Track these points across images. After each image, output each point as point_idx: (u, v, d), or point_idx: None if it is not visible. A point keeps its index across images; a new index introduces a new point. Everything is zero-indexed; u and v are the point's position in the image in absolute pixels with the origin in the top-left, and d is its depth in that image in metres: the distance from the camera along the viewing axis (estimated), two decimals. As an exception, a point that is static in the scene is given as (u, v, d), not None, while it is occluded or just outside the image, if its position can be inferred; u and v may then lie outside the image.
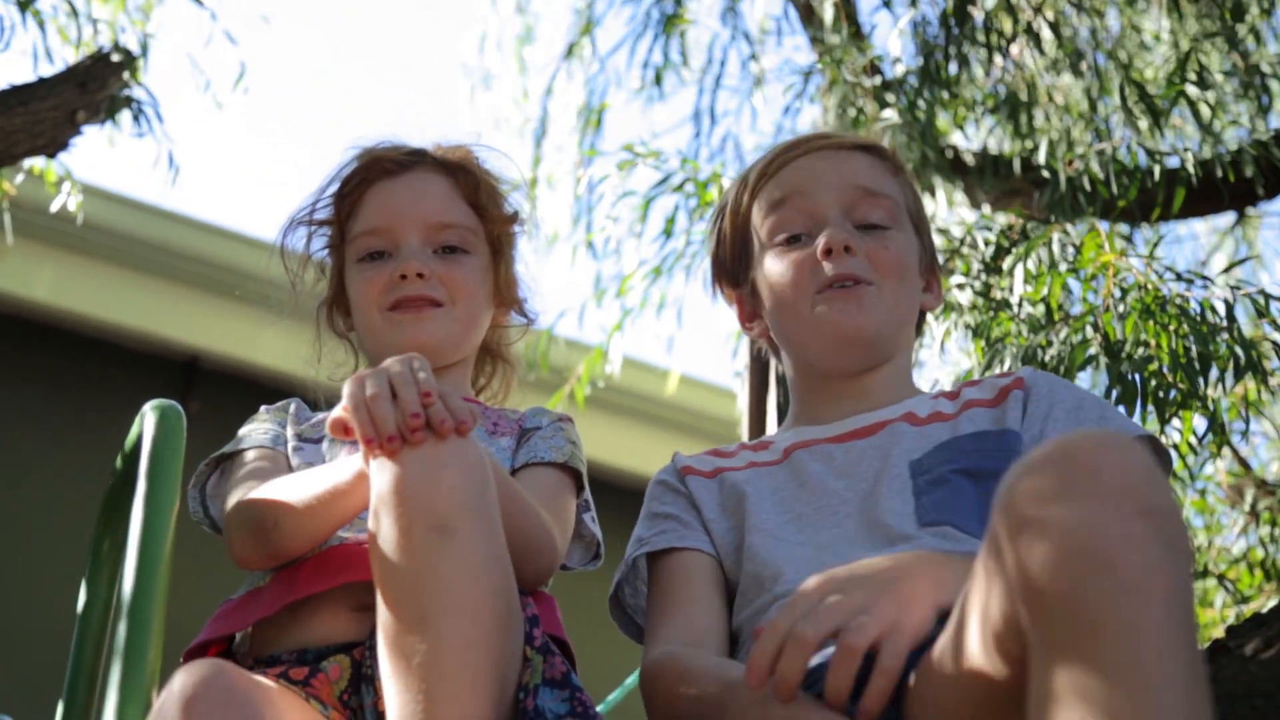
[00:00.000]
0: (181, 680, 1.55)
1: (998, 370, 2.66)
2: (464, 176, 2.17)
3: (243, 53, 4.15)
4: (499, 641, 1.56)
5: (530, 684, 1.69)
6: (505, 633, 1.58)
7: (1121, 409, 2.44)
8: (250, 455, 2.00)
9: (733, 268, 2.10)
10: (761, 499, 1.89)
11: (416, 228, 2.11)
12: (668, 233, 3.77)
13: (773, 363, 3.29)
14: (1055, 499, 1.22)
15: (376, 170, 2.16)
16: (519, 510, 1.84)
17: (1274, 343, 2.57)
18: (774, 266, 2.00)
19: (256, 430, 2.06)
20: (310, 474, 1.85)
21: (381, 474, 1.59)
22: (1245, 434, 2.67)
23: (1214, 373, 2.49)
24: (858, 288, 1.94)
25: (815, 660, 1.55)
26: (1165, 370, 2.46)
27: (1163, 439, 2.22)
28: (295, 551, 1.84)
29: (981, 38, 3.66)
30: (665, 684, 1.71)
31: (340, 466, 1.80)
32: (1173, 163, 3.47)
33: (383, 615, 1.56)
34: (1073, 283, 2.71)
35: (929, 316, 2.23)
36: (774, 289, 2.00)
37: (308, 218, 2.21)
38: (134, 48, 3.97)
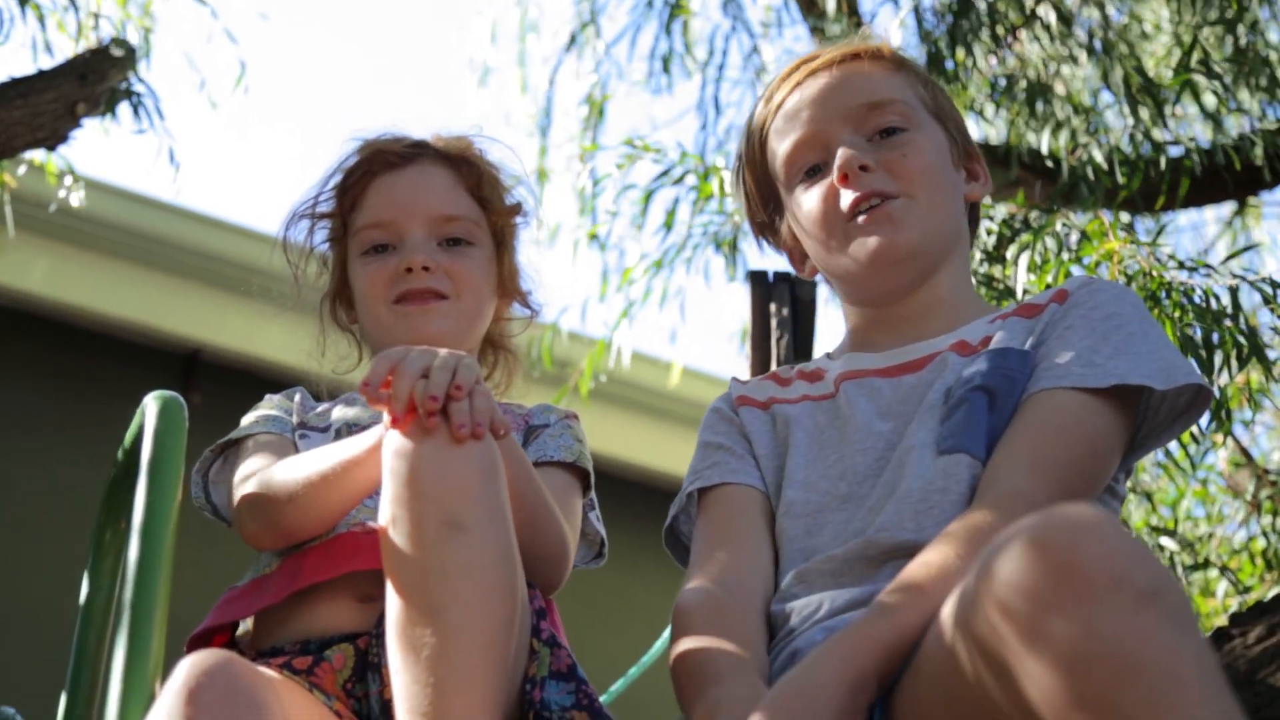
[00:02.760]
0: (185, 671, 1.56)
1: None
2: (466, 168, 2.17)
3: (245, 46, 4.18)
4: (506, 635, 1.57)
5: (537, 676, 1.71)
6: (512, 627, 1.59)
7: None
8: (257, 441, 2.01)
9: (769, 219, 2.02)
10: (807, 442, 1.84)
11: (420, 221, 2.11)
12: (668, 225, 3.78)
13: (774, 350, 3.28)
14: (1045, 610, 1.17)
15: (379, 163, 2.16)
16: (546, 517, 1.86)
17: (1277, 330, 2.56)
18: (800, 204, 1.91)
19: (263, 416, 2.06)
20: (324, 449, 1.86)
21: (396, 466, 1.60)
22: (1249, 423, 2.67)
23: (1218, 360, 2.49)
24: (885, 204, 1.84)
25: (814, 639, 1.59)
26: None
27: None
28: (308, 528, 1.85)
29: (984, 27, 3.65)
30: (676, 628, 1.70)
31: (355, 440, 1.81)
32: (1175, 151, 3.47)
33: (393, 607, 1.57)
34: (1076, 270, 2.70)
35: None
36: (805, 226, 1.92)
37: (310, 211, 2.20)
38: (134, 42, 3.97)
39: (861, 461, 1.78)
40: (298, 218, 2.21)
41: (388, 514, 1.60)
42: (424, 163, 2.16)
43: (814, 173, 1.91)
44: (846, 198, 1.86)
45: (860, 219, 1.85)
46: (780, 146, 1.94)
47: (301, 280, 2.21)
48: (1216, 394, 2.56)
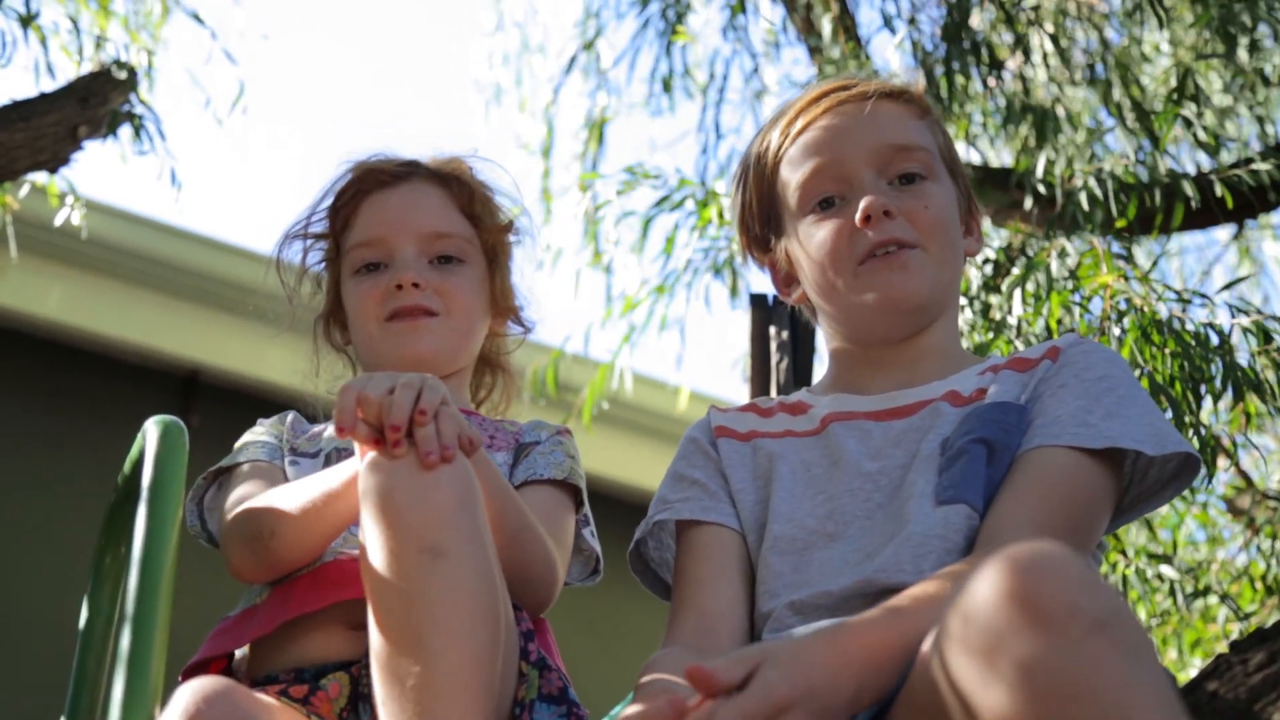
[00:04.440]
0: (185, 697, 1.56)
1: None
2: (458, 186, 2.17)
3: (245, 67, 4.17)
4: (491, 660, 1.57)
5: (526, 699, 1.70)
6: (497, 651, 1.58)
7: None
8: (246, 469, 2.01)
9: (762, 234, 1.99)
10: (793, 478, 1.84)
11: (411, 238, 2.11)
12: (668, 252, 3.78)
13: (774, 373, 3.28)
14: (1003, 639, 1.19)
15: (370, 182, 2.17)
16: (529, 538, 1.85)
17: (1275, 362, 2.56)
18: (810, 236, 1.89)
19: (253, 444, 2.06)
20: (303, 482, 1.85)
21: (371, 495, 1.59)
22: (1233, 450, 2.66)
23: (1210, 395, 2.50)
24: (901, 252, 1.83)
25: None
26: (1161, 392, 2.46)
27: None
28: (293, 561, 1.85)
29: (983, 51, 3.65)
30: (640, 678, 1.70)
31: (333, 471, 1.80)
32: (1173, 175, 3.47)
33: (375, 637, 1.56)
34: (1072, 303, 2.71)
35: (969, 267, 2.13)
36: (813, 259, 1.89)
37: (302, 231, 2.21)
38: (135, 64, 3.98)
39: (850, 503, 1.79)
40: (291, 239, 2.21)
41: (366, 543, 1.59)
42: (415, 181, 2.17)
43: (827, 205, 1.89)
44: (864, 240, 1.84)
45: (873, 262, 1.84)
46: (796, 173, 1.91)
47: (295, 301, 2.21)
48: (1211, 422, 2.57)
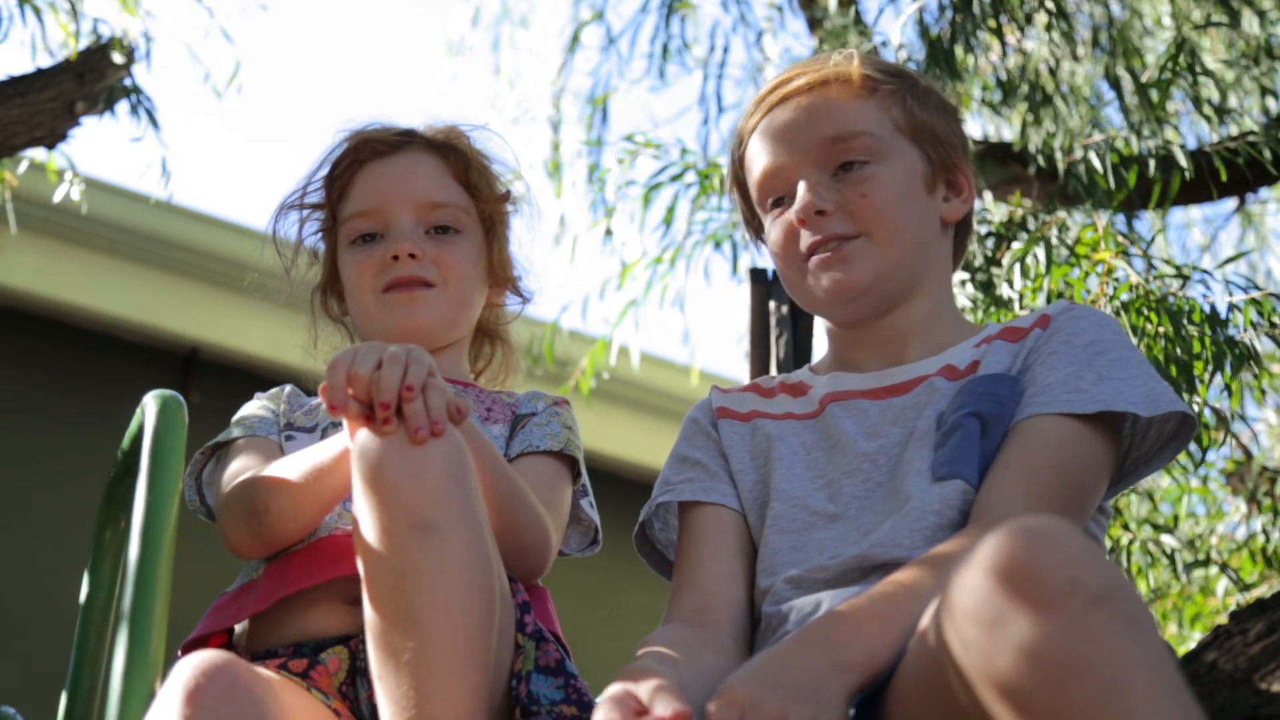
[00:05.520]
0: (185, 671, 1.56)
1: None
2: (454, 156, 2.15)
3: (239, 47, 4.18)
4: (486, 634, 1.56)
5: (523, 671, 1.70)
6: (492, 624, 1.58)
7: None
8: (242, 444, 2.00)
9: (753, 215, 2.02)
10: (793, 459, 1.85)
11: (407, 207, 2.10)
12: (668, 222, 3.77)
13: (774, 348, 3.28)
14: (1003, 615, 1.20)
15: (366, 151, 2.15)
16: (518, 506, 1.84)
17: (1274, 338, 2.56)
18: (769, 233, 1.94)
19: (249, 419, 2.05)
20: (296, 456, 1.85)
21: (363, 471, 1.58)
22: (1225, 424, 2.66)
23: (1211, 365, 2.49)
24: (842, 246, 1.86)
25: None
26: (1160, 365, 2.46)
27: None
28: (288, 535, 1.85)
29: (988, 23, 3.63)
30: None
31: (324, 445, 1.80)
32: (1175, 147, 3.46)
33: (369, 613, 1.56)
34: (1070, 278, 2.71)
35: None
36: (773, 255, 1.94)
37: (298, 202, 2.19)
38: (132, 40, 3.97)
39: (849, 484, 1.80)
40: (287, 209, 2.20)
41: (358, 520, 1.58)
42: (411, 151, 2.15)
43: (778, 203, 1.93)
44: (804, 239, 1.88)
45: (815, 259, 1.87)
46: (752, 174, 1.96)
47: (293, 274, 2.19)
48: (1208, 398, 2.56)
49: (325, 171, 2.18)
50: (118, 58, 3.82)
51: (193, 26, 4.12)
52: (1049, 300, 2.68)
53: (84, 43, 3.88)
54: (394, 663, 1.52)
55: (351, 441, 1.61)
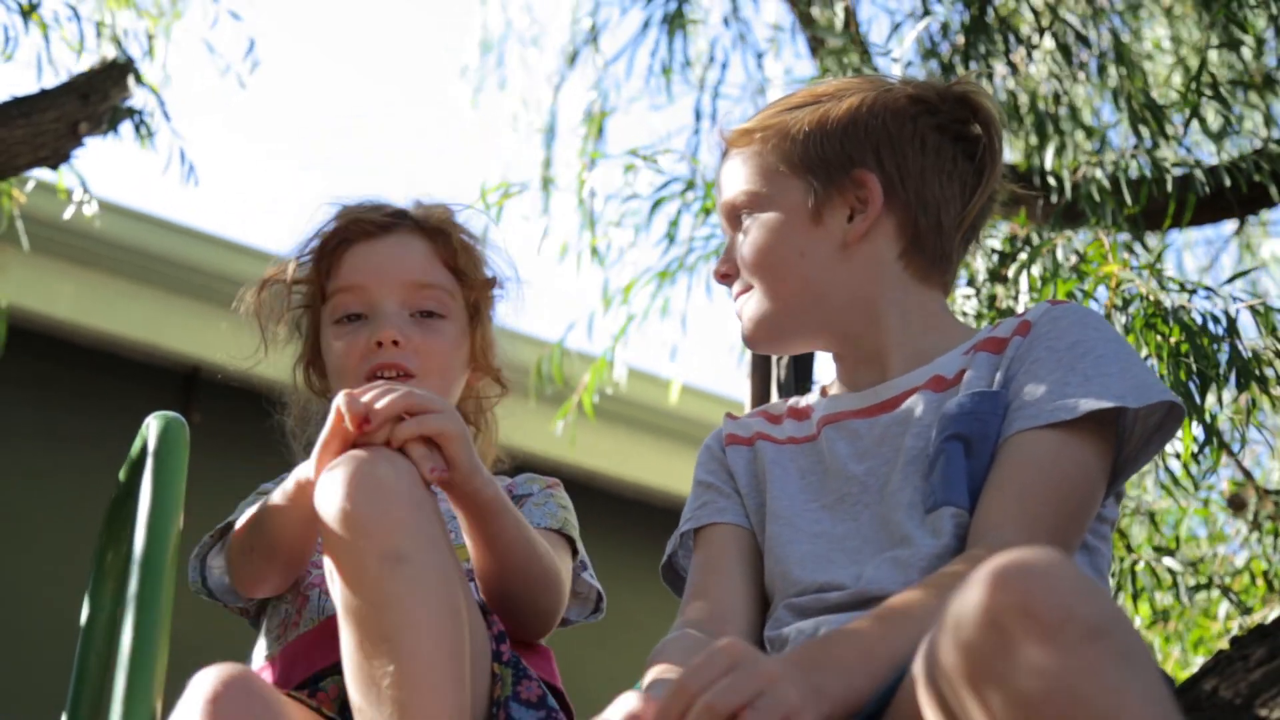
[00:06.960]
0: (206, 679, 1.61)
1: None
2: (443, 240, 2.18)
3: (250, 25, 4.19)
4: (461, 656, 1.62)
5: (501, 698, 1.74)
6: (465, 648, 1.64)
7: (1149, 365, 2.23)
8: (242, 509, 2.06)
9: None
10: (788, 482, 1.86)
11: (394, 288, 2.12)
12: (670, 237, 3.77)
13: (774, 370, 3.28)
14: (997, 649, 1.19)
15: (356, 231, 2.17)
16: (529, 550, 1.90)
17: (1277, 353, 2.56)
18: None
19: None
20: (280, 481, 1.92)
21: (330, 510, 1.65)
22: (1237, 441, 2.66)
23: (1215, 383, 2.49)
24: (740, 296, 1.91)
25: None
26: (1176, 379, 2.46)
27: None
28: (285, 552, 1.91)
29: (997, 46, 3.64)
30: (649, 664, 1.72)
31: (305, 464, 1.84)
32: (1179, 170, 3.46)
33: (348, 647, 1.62)
34: (1076, 292, 2.71)
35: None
36: None
37: (285, 276, 2.21)
38: (141, 46, 4.00)
39: (840, 508, 1.80)
40: (272, 282, 2.23)
41: (330, 559, 1.65)
42: (401, 232, 2.17)
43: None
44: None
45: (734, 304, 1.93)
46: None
47: (270, 343, 2.24)
48: (1215, 412, 2.56)
49: (314, 245, 2.20)
50: (120, 69, 3.83)
51: (203, 15, 4.16)
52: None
53: (88, 58, 3.90)
54: (375, 691, 1.57)
55: (318, 483, 1.69)
